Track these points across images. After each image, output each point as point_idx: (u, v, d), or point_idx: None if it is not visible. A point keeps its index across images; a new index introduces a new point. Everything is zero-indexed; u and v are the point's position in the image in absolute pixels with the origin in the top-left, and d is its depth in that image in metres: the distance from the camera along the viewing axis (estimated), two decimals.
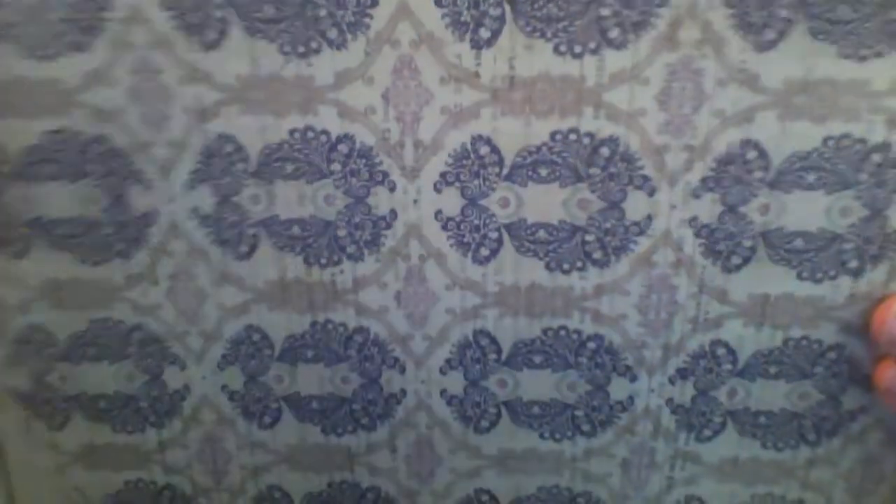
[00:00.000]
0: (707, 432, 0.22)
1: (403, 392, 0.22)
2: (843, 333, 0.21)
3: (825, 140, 0.19)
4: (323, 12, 0.19)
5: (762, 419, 0.22)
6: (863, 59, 0.18)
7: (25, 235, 0.22)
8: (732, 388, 0.21)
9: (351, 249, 0.21)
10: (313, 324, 0.22)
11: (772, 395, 0.22)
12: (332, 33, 0.19)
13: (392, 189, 0.20)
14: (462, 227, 0.20)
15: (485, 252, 0.20)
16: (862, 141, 0.18)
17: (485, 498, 0.24)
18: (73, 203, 0.21)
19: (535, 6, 0.18)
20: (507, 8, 0.18)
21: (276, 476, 0.24)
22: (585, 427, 0.22)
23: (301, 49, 0.19)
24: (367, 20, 0.18)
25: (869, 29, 0.18)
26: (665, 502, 0.23)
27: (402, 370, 0.22)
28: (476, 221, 0.20)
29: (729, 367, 0.21)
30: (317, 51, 0.19)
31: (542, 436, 0.23)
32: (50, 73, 0.20)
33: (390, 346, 0.22)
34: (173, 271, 0.22)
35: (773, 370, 0.21)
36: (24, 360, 0.23)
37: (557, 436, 0.22)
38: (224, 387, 0.23)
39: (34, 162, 0.21)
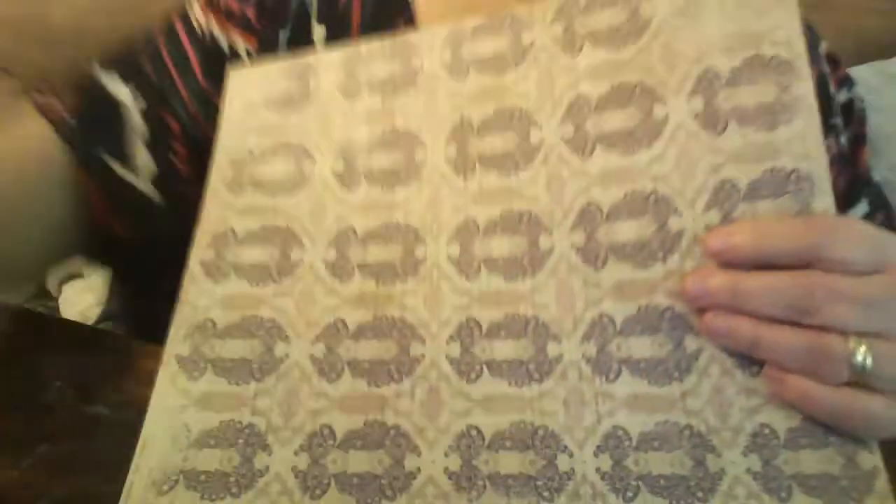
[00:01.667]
0: (612, 375, 0.32)
1: (423, 356, 0.35)
2: (669, 298, 0.32)
3: None
4: None
5: (642, 364, 0.32)
6: None
7: None
8: (618, 343, 0.32)
9: None
10: (377, 317, 0.36)
11: (642, 347, 0.32)
12: None
13: None
14: None
15: None
16: None
17: (474, 432, 0.33)
18: None
19: None
20: None
21: (329, 417, 0.34)
22: (536, 376, 0.33)
23: None
24: None
25: None
26: (599, 431, 0.32)
27: (423, 342, 0.35)
28: None
29: (612, 329, 0.33)
30: None
31: (509, 384, 0.33)
32: None
33: (418, 328, 0.35)
34: None
35: (638, 329, 0.32)
36: (193, 337, 0.37)
37: (519, 383, 0.33)
38: (311, 355, 0.36)
39: None
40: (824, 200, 0.31)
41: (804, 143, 0.32)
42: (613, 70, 0.36)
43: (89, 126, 0.49)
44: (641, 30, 0.36)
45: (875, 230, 0.30)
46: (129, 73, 0.51)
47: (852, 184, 0.51)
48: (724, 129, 0.33)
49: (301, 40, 0.52)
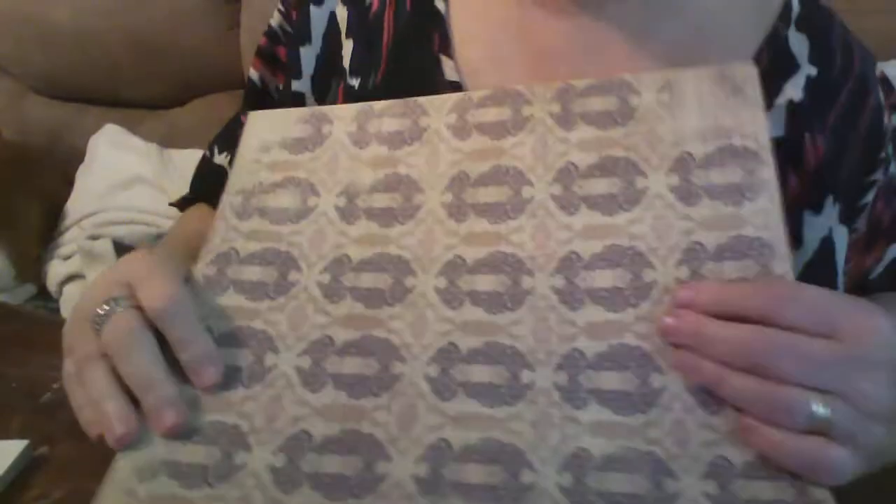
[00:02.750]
0: (580, 403, 0.35)
1: (403, 374, 0.37)
2: (638, 339, 0.36)
3: None
4: None
5: (609, 395, 0.35)
6: None
7: None
8: (588, 375, 0.35)
9: None
10: (363, 336, 0.39)
11: (610, 380, 0.35)
12: None
13: None
14: None
15: None
16: None
17: (443, 444, 0.35)
18: None
19: None
20: None
21: (309, 423, 0.37)
22: (508, 399, 0.36)
23: None
24: None
25: None
26: (563, 451, 0.34)
27: (404, 361, 0.38)
28: None
29: (583, 362, 0.36)
30: None
31: (482, 405, 0.36)
32: None
33: (401, 348, 0.38)
34: None
35: (607, 364, 0.35)
36: None
37: (492, 404, 0.36)
38: (297, 367, 0.38)
39: None
40: (782, 265, 0.36)
41: (766, 217, 0.37)
42: (602, 145, 0.41)
43: (201, 190, 0.63)
44: (629, 116, 0.41)
45: (829, 298, 0.34)
46: (227, 144, 0.61)
47: None
48: (697, 201, 0.38)
49: (331, 59, 0.54)
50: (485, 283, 0.39)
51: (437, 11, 0.50)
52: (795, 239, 0.46)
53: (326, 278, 0.41)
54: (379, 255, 0.41)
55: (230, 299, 0.41)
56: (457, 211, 0.41)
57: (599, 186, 0.40)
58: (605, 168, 0.40)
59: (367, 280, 0.40)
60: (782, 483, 0.32)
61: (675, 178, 0.39)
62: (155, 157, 1.25)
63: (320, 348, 0.39)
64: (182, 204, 0.64)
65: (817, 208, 0.46)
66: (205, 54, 1.28)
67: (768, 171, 0.38)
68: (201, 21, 1.27)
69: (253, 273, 0.42)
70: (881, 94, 0.49)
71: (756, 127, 0.39)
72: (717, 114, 0.40)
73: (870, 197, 0.49)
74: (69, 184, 1.29)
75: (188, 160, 1.21)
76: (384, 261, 0.40)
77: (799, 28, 0.47)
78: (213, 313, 0.41)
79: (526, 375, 0.36)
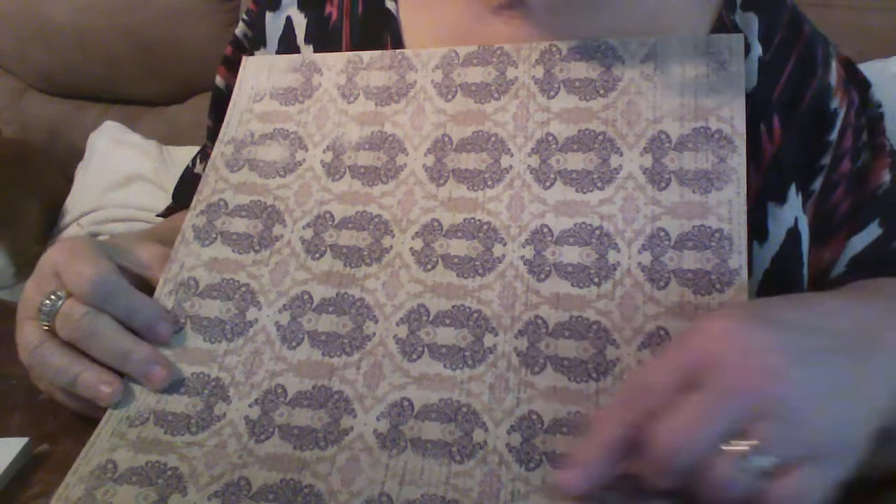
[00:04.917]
0: (536, 368, 0.37)
1: (374, 334, 0.39)
2: (598, 315, 0.38)
3: None
4: None
5: (565, 362, 0.37)
6: None
7: None
8: (547, 343, 0.37)
9: None
10: (339, 295, 0.41)
11: (567, 348, 0.37)
12: None
13: None
14: None
15: None
16: None
17: (406, 403, 0.37)
18: None
19: None
20: None
21: (284, 379, 0.39)
22: (469, 362, 0.38)
23: None
24: None
25: None
26: (516, 413, 0.36)
27: (376, 321, 0.40)
28: None
29: (545, 330, 0.38)
30: None
31: (444, 366, 0.38)
32: None
33: (374, 308, 0.40)
34: None
35: (566, 333, 0.37)
36: (178, 294, 0.42)
37: (453, 367, 0.38)
38: (277, 322, 0.41)
39: None
40: (738, 259, 0.37)
41: (730, 209, 0.39)
42: (582, 117, 0.42)
43: (182, 199, 0.60)
44: (611, 86, 0.43)
45: (666, 356, 0.31)
46: (207, 155, 0.59)
47: (862, 205, 0.49)
48: (667, 186, 0.40)
49: None
50: (458, 247, 0.41)
51: (388, 11, 0.52)
52: (762, 232, 0.45)
53: (309, 234, 0.43)
54: (360, 213, 0.43)
55: (217, 251, 0.43)
56: (437, 175, 0.43)
57: (576, 161, 0.41)
58: (582, 142, 0.41)
59: (347, 238, 0.42)
60: None
61: (648, 158, 0.40)
62: (154, 154, 1.26)
63: (299, 304, 0.41)
64: (166, 214, 0.66)
65: (781, 199, 0.45)
66: (204, 51, 1.28)
67: (738, 160, 0.39)
68: (200, 19, 1.27)
69: (240, 225, 0.44)
70: (833, 76, 0.48)
71: (734, 111, 0.40)
72: (698, 91, 0.41)
73: (817, 184, 0.47)
74: (68, 181, 1.29)
75: (187, 157, 1.21)
76: (364, 220, 0.42)
77: (745, 7, 0.46)
78: (199, 264, 0.43)
79: (489, 339, 0.38)
